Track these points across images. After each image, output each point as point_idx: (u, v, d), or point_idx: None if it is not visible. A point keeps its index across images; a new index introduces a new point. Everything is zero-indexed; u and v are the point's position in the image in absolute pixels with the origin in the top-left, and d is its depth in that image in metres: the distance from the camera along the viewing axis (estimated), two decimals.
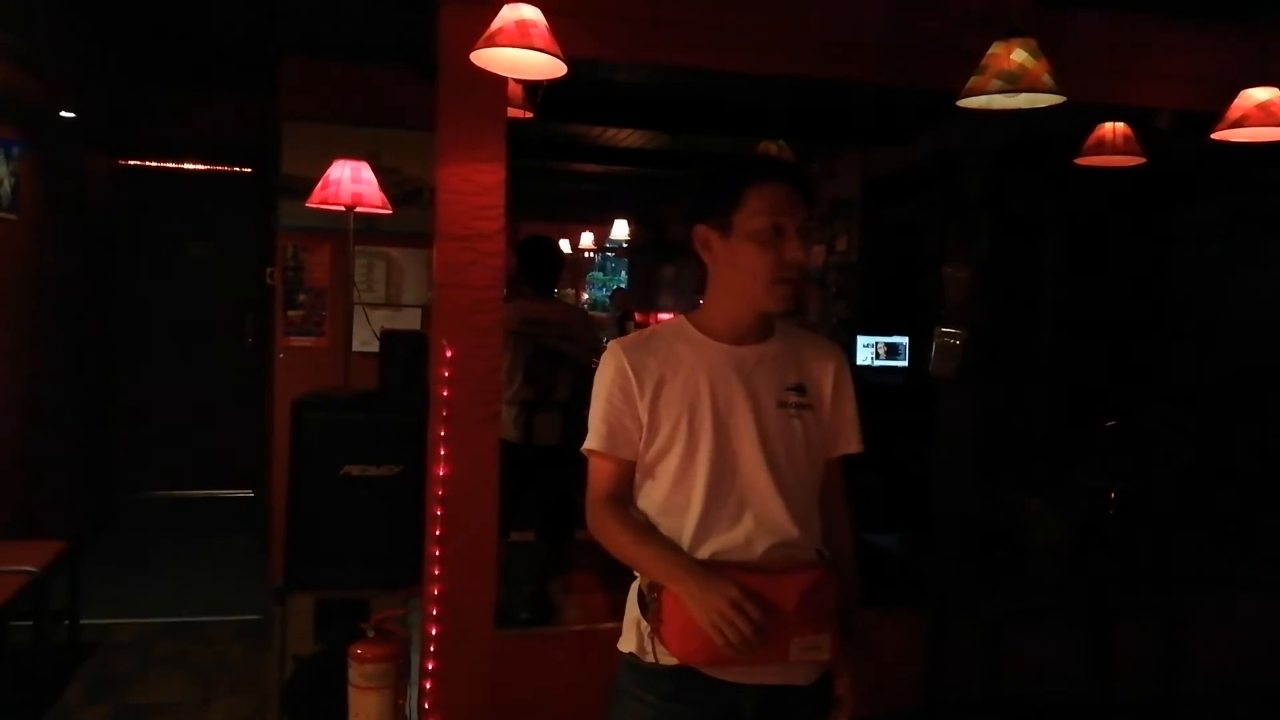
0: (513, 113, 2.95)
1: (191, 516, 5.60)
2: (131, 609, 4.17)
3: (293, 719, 2.85)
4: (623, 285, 11.36)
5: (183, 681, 3.48)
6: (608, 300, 10.42)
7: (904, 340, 5.69)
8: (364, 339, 4.08)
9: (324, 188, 3.10)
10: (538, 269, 4.00)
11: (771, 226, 1.48)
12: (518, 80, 2.86)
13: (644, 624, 1.47)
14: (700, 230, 1.55)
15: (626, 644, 1.54)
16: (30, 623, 3.33)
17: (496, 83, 2.77)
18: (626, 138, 6.00)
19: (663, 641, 1.44)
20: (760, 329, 1.57)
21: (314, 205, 3.16)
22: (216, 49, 4.42)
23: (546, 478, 3.71)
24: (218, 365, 5.68)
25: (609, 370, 1.54)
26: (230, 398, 5.62)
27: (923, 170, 5.31)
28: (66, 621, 3.62)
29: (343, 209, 3.11)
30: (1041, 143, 4.23)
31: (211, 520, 5.54)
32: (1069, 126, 3.48)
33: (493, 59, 2.39)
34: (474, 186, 2.83)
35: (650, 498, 1.53)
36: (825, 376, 1.60)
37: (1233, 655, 3.47)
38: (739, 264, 1.51)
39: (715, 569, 1.41)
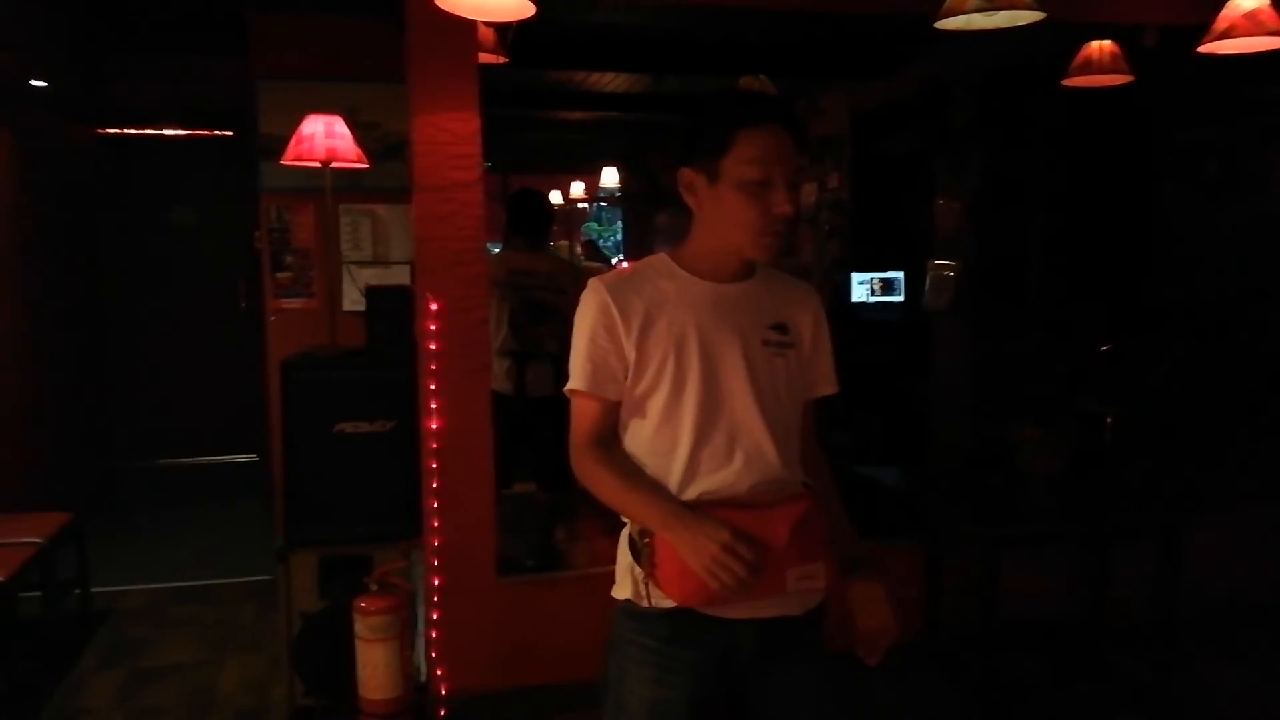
0: (485, 58, 2.90)
1: (197, 483, 5.64)
2: (142, 575, 4.22)
3: (302, 674, 2.89)
4: (592, 238, 11.23)
5: (195, 643, 3.53)
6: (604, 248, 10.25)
7: (899, 275, 5.66)
8: (354, 298, 4.07)
9: (297, 144, 3.06)
10: (527, 221, 3.98)
11: (760, 177, 1.42)
12: (488, 23, 2.80)
13: (638, 570, 1.46)
14: (686, 173, 1.50)
15: (621, 591, 1.53)
16: (39, 594, 3.38)
17: (466, 27, 2.72)
18: (610, 81, 5.90)
19: (658, 586, 1.43)
20: (743, 269, 1.55)
21: (288, 163, 3.12)
22: (188, 8, 4.33)
23: (543, 429, 3.72)
24: (213, 331, 5.68)
25: (591, 308, 1.49)
26: (228, 363, 5.62)
27: (911, 103, 5.24)
28: (77, 591, 3.66)
29: (318, 165, 3.07)
30: (1029, 68, 4.16)
31: (217, 485, 5.58)
32: (1057, 49, 3.41)
33: (458, 2, 2.33)
34: (449, 135, 2.79)
35: (637, 437, 1.51)
36: (805, 318, 1.59)
37: (1227, 575, 3.51)
38: (724, 212, 1.47)
39: (704, 510, 1.40)
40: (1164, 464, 3.62)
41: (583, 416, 1.52)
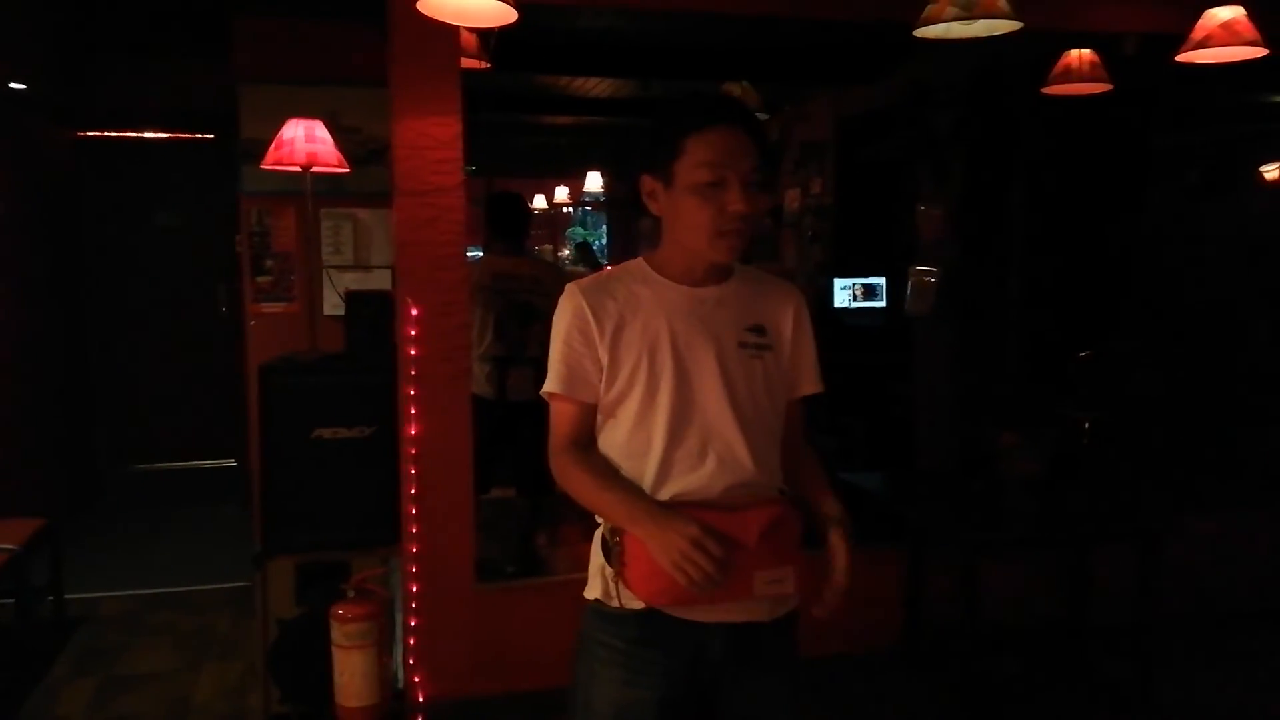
0: (468, 63, 2.89)
1: (176, 488, 5.61)
2: (119, 582, 4.17)
3: (279, 681, 2.87)
4: (582, 240, 11.20)
5: (171, 650, 3.49)
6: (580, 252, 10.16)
7: (881, 281, 5.68)
8: (335, 303, 4.05)
9: (278, 148, 3.04)
10: (506, 224, 3.97)
11: (711, 179, 1.43)
12: (470, 29, 2.80)
13: (608, 569, 1.47)
14: (646, 181, 1.52)
15: (591, 591, 1.54)
16: (12, 600, 3.34)
17: (449, 32, 2.72)
18: (595, 87, 5.91)
19: (627, 585, 1.43)
20: (717, 271, 1.55)
21: (268, 167, 3.10)
22: (169, 11, 4.30)
23: (523, 433, 3.71)
24: (193, 336, 5.65)
25: (567, 312, 1.51)
26: (208, 368, 5.59)
27: (895, 109, 5.26)
28: (51, 597, 3.62)
29: (298, 169, 3.05)
30: (1012, 74, 4.18)
31: (196, 491, 5.54)
32: (1039, 57, 3.43)
33: (440, 7, 2.32)
34: (431, 141, 2.78)
35: (612, 440, 1.52)
36: (785, 317, 1.58)
37: (1208, 579, 3.53)
38: (681, 216, 1.48)
39: (675, 509, 1.41)
40: (1144, 468, 3.65)
41: (560, 419, 1.53)
